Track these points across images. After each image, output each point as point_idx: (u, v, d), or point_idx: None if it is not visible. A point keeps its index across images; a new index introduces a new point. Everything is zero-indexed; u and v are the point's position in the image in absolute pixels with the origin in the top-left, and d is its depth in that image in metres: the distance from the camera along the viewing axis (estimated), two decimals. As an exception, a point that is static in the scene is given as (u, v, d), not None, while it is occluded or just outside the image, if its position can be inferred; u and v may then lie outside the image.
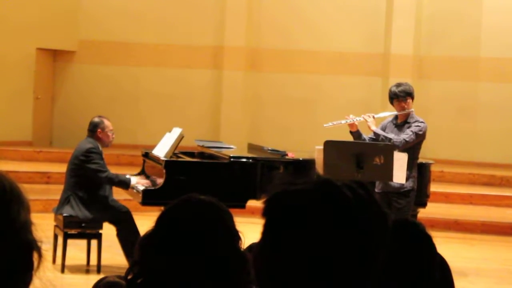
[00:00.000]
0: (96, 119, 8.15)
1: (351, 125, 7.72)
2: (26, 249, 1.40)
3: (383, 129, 7.90)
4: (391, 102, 7.85)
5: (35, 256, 1.42)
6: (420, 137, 7.74)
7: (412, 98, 7.81)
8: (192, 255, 2.25)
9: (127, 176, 8.04)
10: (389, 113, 8.09)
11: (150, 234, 2.33)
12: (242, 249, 2.33)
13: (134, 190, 7.87)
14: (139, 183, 7.98)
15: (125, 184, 7.95)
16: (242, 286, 2.27)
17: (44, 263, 1.44)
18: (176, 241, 2.27)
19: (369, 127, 7.74)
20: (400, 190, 7.65)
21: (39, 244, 1.43)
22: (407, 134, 7.65)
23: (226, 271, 2.26)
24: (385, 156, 7.18)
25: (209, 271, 2.25)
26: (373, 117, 7.79)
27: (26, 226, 1.41)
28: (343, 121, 7.77)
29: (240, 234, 2.35)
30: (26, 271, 1.40)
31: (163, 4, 15.84)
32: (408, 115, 7.82)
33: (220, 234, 2.30)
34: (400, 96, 7.73)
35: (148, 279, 2.28)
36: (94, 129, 8.05)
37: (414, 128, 7.69)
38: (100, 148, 8.03)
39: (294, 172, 7.91)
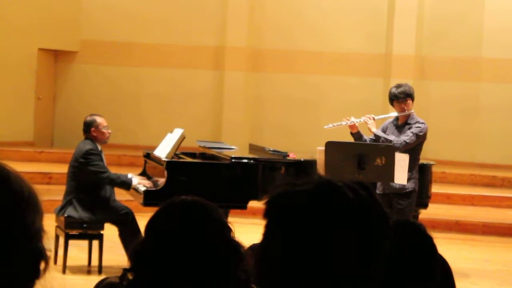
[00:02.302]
0: (88, 118, 8.09)
1: (352, 126, 7.72)
2: (36, 257, 1.40)
3: (384, 130, 7.90)
4: (391, 103, 7.86)
5: (42, 264, 1.42)
6: (420, 138, 7.74)
7: (412, 99, 7.81)
8: (185, 255, 2.26)
9: (129, 176, 8.03)
10: (389, 114, 8.10)
11: (140, 243, 2.34)
12: (235, 239, 2.34)
13: (136, 191, 7.87)
14: (140, 183, 7.98)
15: (126, 185, 7.94)
16: (241, 282, 2.27)
17: (50, 272, 1.44)
18: (167, 244, 2.28)
19: (369, 129, 7.74)
20: (401, 191, 7.65)
21: (48, 253, 1.43)
22: (407, 136, 7.65)
23: (221, 264, 2.27)
24: (386, 157, 7.18)
25: (206, 267, 2.25)
26: (374, 118, 7.79)
27: (39, 234, 1.41)
28: (343, 123, 7.77)
29: (230, 225, 2.36)
30: (32, 279, 1.40)
31: (165, 4, 15.85)
32: (408, 116, 7.82)
33: (209, 229, 2.31)
34: (400, 98, 7.73)
35: (146, 282, 2.28)
36: (88, 129, 8.02)
37: (414, 129, 7.69)
38: (99, 148, 8.00)
39: (296, 173, 7.92)
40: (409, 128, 7.74)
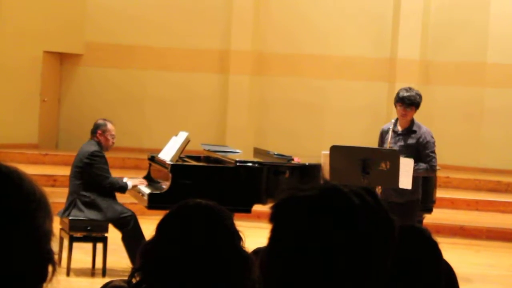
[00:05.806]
0: (100, 121, 8.16)
1: None
2: (44, 258, 1.41)
3: (383, 137, 7.82)
4: (395, 104, 7.76)
5: (50, 268, 1.43)
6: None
7: (417, 108, 7.70)
8: (194, 259, 2.26)
9: (124, 180, 8.08)
10: (390, 122, 7.95)
11: (151, 242, 2.34)
12: (244, 248, 2.34)
13: (140, 194, 7.87)
14: (134, 184, 8.00)
15: (123, 189, 8.01)
16: (247, 287, 2.28)
17: (57, 276, 1.45)
18: (177, 246, 2.28)
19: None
20: (403, 200, 7.55)
21: (55, 256, 1.44)
22: (432, 159, 7.64)
23: (229, 271, 2.27)
24: (391, 162, 7.16)
25: (212, 273, 2.26)
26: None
27: (47, 236, 1.43)
28: None
29: (241, 234, 2.36)
30: (40, 281, 1.41)
31: (170, 8, 15.86)
32: (410, 123, 7.73)
33: (220, 236, 2.31)
34: (405, 102, 7.64)
35: (152, 285, 2.28)
36: (94, 131, 8.08)
37: (429, 148, 7.66)
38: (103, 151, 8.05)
39: (300, 177, 7.91)
40: (418, 138, 7.65)
